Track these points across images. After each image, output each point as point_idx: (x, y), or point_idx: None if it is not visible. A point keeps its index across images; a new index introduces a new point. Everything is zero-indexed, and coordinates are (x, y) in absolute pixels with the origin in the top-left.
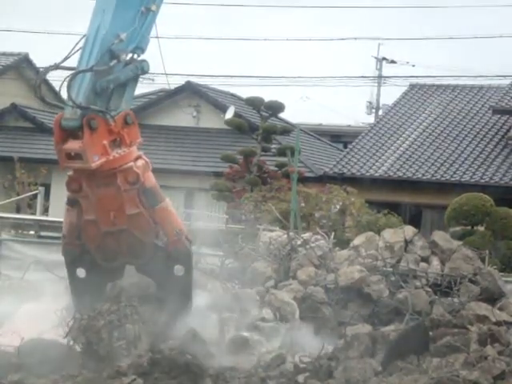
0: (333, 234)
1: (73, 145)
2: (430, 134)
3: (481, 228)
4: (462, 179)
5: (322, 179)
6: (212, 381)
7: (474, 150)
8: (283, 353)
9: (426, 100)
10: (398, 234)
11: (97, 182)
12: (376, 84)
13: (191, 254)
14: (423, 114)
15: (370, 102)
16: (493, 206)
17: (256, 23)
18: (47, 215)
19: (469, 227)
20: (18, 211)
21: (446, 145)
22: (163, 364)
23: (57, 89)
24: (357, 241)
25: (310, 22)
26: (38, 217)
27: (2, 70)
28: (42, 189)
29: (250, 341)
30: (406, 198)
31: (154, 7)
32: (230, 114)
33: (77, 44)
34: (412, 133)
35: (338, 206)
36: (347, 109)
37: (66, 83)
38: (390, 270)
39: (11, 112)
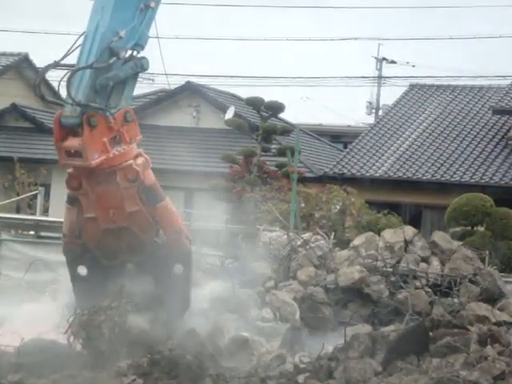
0: (333, 234)
1: (72, 142)
2: (430, 135)
3: (481, 228)
4: (462, 179)
5: (322, 179)
6: (212, 381)
7: (474, 150)
8: (283, 353)
9: (426, 100)
10: (397, 234)
11: (96, 179)
12: (376, 84)
13: (190, 253)
14: (423, 115)
15: (370, 103)
16: (493, 206)
17: (256, 23)
18: (47, 215)
19: (469, 227)
20: (17, 211)
21: (446, 145)
22: (163, 364)
23: (56, 88)
24: (357, 241)
25: (310, 22)
26: (37, 217)
27: (1, 70)
28: (42, 189)
29: (250, 341)
30: (405, 199)
31: (153, 4)
32: (229, 114)
33: (76, 41)
34: (412, 133)
35: (337, 207)
36: (347, 109)
37: (65, 81)
38: (390, 270)
39: (11, 112)
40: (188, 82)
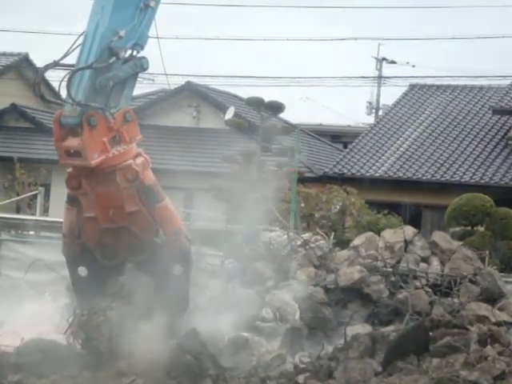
0: (333, 234)
1: (72, 142)
2: (430, 135)
3: (481, 228)
4: (462, 179)
5: (322, 179)
6: (212, 381)
7: (474, 150)
8: (283, 353)
9: (426, 100)
10: (397, 234)
11: (96, 179)
12: (376, 84)
13: (190, 253)
14: (423, 115)
15: (370, 103)
16: (493, 206)
17: (256, 23)
18: (47, 215)
19: (469, 227)
20: (18, 211)
21: (446, 145)
22: (163, 364)
23: (56, 88)
24: (357, 241)
25: (310, 22)
26: (37, 217)
27: (2, 70)
28: (41, 189)
29: (250, 341)
30: (405, 199)
31: (152, 3)
32: (229, 114)
33: (76, 41)
34: (412, 133)
35: (337, 207)
36: (347, 109)
37: (65, 81)
38: (390, 270)
39: (11, 112)
40: (188, 82)
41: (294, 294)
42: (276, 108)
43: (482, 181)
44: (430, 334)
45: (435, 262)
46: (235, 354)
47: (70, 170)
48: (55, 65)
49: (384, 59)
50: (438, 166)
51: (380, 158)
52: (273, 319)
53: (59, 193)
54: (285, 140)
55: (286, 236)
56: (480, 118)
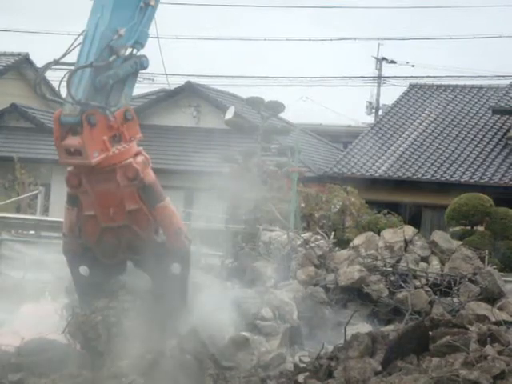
0: (333, 234)
1: (72, 141)
2: (430, 134)
3: (480, 228)
4: (462, 179)
5: (322, 179)
6: (212, 381)
7: (473, 150)
8: (283, 352)
9: (426, 100)
10: (397, 233)
11: (96, 177)
12: (376, 84)
13: (190, 253)
14: (423, 114)
15: (370, 102)
16: (492, 205)
17: (256, 23)
18: (47, 215)
19: (468, 227)
20: (18, 211)
21: (446, 145)
22: (163, 364)
23: (56, 87)
24: (357, 241)
25: (310, 22)
26: (38, 217)
27: (2, 70)
28: (42, 189)
29: (250, 340)
30: (405, 198)
31: (153, 2)
32: (229, 114)
33: (76, 40)
34: (412, 133)
35: (338, 206)
36: (347, 109)
37: (65, 80)
38: (390, 269)
39: (11, 112)
40: (188, 82)
41: (294, 294)
42: (276, 108)
43: (482, 180)
44: (430, 333)
45: (435, 262)
46: (235, 353)
47: (70, 168)
48: (55, 63)
49: (384, 59)
50: (438, 165)
51: (380, 157)
52: (272, 318)
53: (59, 193)
54: (285, 140)
55: (285, 236)
56: (480, 118)
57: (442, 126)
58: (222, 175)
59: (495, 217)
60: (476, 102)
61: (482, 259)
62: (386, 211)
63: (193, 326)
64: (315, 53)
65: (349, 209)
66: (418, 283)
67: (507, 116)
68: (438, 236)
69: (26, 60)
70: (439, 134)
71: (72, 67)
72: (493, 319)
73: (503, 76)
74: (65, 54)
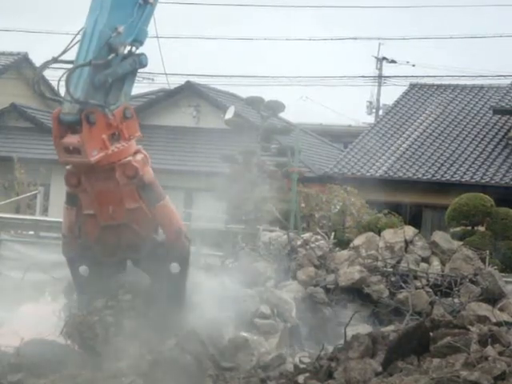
0: (333, 234)
1: (71, 139)
2: (431, 134)
3: (481, 228)
4: (463, 179)
5: (322, 179)
6: (212, 381)
7: (474, 150)
8: (283, 353)
9: (426, 100)
10: (398, 234)
11: (96, 176)
12: (376, 84)
13: (189, 252)
14: (423, 114)
15: (370, 102)
16: (493, 206)
17: (256, 23)
18: (47, 215)
19: (469, 227)
20: (17, 211)
21: (447, 145)
22: (163, 364)
23: (55, 86)
24: (357, 241)
25: (309, 22)
26: (37, 217)
27: (1, 69)
28: (41, 189)
29: (250, 340)
30: (406, 198)
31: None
32: (229, 114)
33: (74, 37)
34: (412, 133)
35: (338, 207)
36: (347, 109)
37: (64, 78)
38: (391, 270)
39: (11, 112)
40: (188, 82)
41: (294, 295)
42: (276, 108)
43: (483, 181)
44: (431, 334)
45: (435, 262)
46: (235, 354)
47: (69, 167)
48: (54, 61)
49: (384, 59)
50: (439, 165)
51: (380, 157)
52: (270, 316)
53: (59, 193)
54: (285, 140)
55: (285, 236)
56: (480, 118)
57: (443, 126)
58: (222, 175)
59: (496, 217)
60: (477, 102)
61: (483, 260)
62: (386, 211)
63: (192, 327)
64: (315, 52)
65: (349, 209)
66: (418, 284)
67: (508, 116)
68: (439, 236)
69: (25, 59)
70: (440, 134)
71: (71, 65)
72: (493, 320)
73: (504, 76)
74: (63, 52)
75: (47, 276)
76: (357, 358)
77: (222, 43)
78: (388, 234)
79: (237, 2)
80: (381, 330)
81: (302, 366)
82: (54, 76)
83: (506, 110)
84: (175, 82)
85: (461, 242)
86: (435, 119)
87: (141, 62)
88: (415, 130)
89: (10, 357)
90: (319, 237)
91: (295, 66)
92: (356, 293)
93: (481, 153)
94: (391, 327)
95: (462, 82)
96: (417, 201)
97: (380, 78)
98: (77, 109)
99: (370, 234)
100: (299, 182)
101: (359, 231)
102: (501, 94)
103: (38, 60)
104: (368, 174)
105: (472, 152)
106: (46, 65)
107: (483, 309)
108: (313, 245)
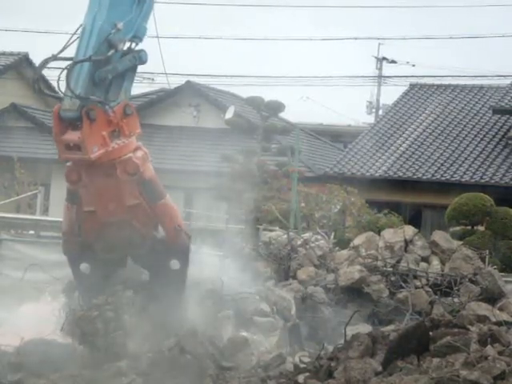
0: (333, 234)
1: (72, 136)
2: (430, 134)
3: (481, 228)
4: (462, 179)
5: (322, 179)
6: (212, 381)
7: (474, 149)
8: (283, 352)
9: (426, 100)
10: (398, 233)
11: (96, 172)
12: (376, 84)
13: (189, 249)
14: (423, 114)
15: (370, 102)
16: (493, 205)
17: (256, 23)
18: (47, 215)
19: (469, 227)
20: (17, 211)
21: (446, 145)
22: (163, 364)
23: (54, 86)
24: (357, 241)
25: (310, 22)
26: (37, 216)
27: (1, 69)
28: (41, 188)
29: (250, 340)
30: (406, 198)
31: None
32: (230, 114)
33: (74, 34)
34: (412, 133)
35: (338, 206)
36: (347, 109)
37: (62, 79)
38: (390, 269)
39: (11, 112)
40: (188, 82)
41: (294, 294)
42: (276, 108)
43: (482, 180)
44: (430, 333)
45: (435, 262)
46: (235, 353)
47: (69, 164)
48: (54, 59)
49: (384, 59)
50: (438, 165)
51: (380, 157)
52: (270, 313)
53: (59, 192)
54: (285, 140)
55: (286, 236)
56: (480, 118)
57: (443, 126)
58: (222, 175)
59: (496, 217)
60: (476, 102)
61: (483, 259)
62: (386, 211)
63: (192, 326)
64: (315, 52)
65: (349, 209)
66: (418, 283)
67: (508, 116)
68: (439, 236)
69: (25, 59)
70: (440, 134)
71: (71, 62)
72: (493, 319)
73: (504, 76)
74: (63, 49)
75: (47, 276)
76: (357, 357)
77: (222, 43)
78: (388, 233)
79: (237, 2)
80: (381, 329)
81: (302, 365)
82: (54, 76)
83: (505, 110)
84: (175, 81)
85: (460, 242)
86: (435, 119)
87: (140, 58)
88: (415, 130)
89: (10, 356)
90: (319, 236)
91: (295, 66)
92: (356, 292)
93: (480, 152)
94: (391, 327)
95: (461, 81)
96: (416, 200)
97: (380, 78)
98: (77, 105)
99: (370, 233)
100: (299, 181)
101: (359, 231)
102: (500, 94)
103: (38, 60)
104: (368, 173)
105: (472, 152)
106: (45, 62)
107: (483, 308)
108: (313, 244)
